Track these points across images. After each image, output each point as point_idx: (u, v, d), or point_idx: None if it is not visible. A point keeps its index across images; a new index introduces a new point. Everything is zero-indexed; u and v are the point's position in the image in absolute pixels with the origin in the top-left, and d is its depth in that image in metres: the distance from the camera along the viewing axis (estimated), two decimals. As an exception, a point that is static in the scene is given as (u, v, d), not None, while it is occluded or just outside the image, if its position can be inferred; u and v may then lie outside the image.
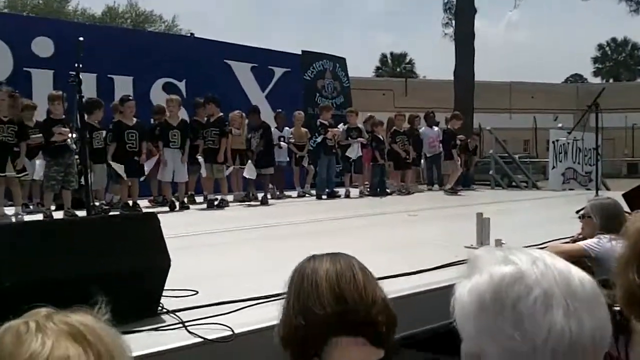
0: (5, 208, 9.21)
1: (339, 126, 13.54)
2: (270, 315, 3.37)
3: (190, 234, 7.31)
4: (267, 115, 14.26)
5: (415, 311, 3.76)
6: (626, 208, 6.44)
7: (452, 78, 26.19)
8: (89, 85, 9.75)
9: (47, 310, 1.07)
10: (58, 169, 9.14)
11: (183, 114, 11.42)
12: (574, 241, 4.91)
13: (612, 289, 2.00)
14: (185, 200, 10.92)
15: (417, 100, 36.14)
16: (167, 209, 10.31)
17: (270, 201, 11.98)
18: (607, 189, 14.82)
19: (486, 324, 1.13)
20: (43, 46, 12.70)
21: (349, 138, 13.25)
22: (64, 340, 1.00)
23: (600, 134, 11.02)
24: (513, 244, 5.61)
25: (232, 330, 3.10)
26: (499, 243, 5.64)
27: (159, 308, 3.48)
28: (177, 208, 10.47)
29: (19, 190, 9.36)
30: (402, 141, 13.98)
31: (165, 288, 3.55)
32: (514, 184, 18.63)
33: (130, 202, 10.20)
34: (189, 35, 27.03)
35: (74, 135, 8.92)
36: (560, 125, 18.55)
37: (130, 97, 10.71)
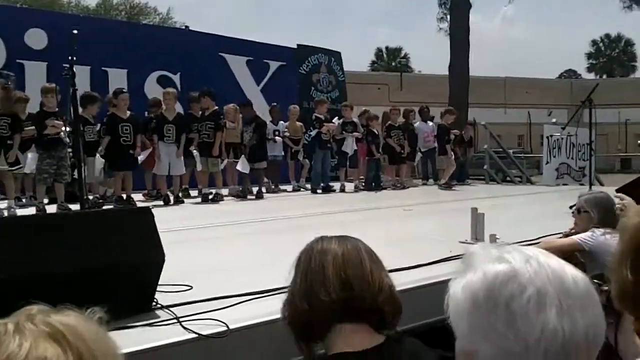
0: (-2, 201, 9.19)
1: (333, 120, 13.53)
2: (265, 310, 3.38)
3: (184, 228, 7.28)
4: (262, 108, 14.25)
5: (410, 306, 3.76)
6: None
7: (447, 73, 26.21)
8: (82, 77, 9.68)
9: (37, 308, 1.06)
10: (50, 162, 9.11)
11: (177, 108, 11.38)
12: (566, 236, 4.90)
13: (607, 283, 2.01)
14: (180, 194, 10.89)
15: (412, 95, 36.14)
16: (161, 202, 10.30)
17: (265, 195, 11.97)
18: (601, 184, 14.85)
19: (479, 322, 1.13)
20: (36, 38, 12.65)
21: (344, 132, 13.24)
22: (42, 341, 0.98)
23: (594, 130, 11.04)
24: (507, 239, 5.63)
25: (227, 326, 3.08)
26: (493, 238, 5.65)
27: (153, 303, 3.47)
28: (172, 202, 10.45)
29: (12, 184, 9.32)
30: (397, 135, 13.98)
31: (159, 283, 3.54)
32: (508, 178, 18.68)
33: (124, 196, 10.19)
34: (183, 28, 26.95)
35: (68, 129, 8.90)
36: (554, 120, 18.55)
37: (124, 90, 10.67)
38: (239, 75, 16.00)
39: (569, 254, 4.23)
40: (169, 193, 10.68)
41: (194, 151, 11.17)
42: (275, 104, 14.03)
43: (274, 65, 16.91)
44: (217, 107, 11.34)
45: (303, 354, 1.91)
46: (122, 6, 49.74)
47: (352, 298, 1.76)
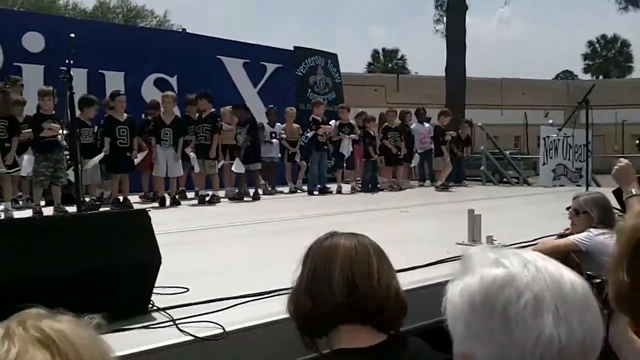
0: (-5, 204, 9.17)
1: (330, 122, 13.53)
2: (261, 313, 3.38)
3: (181, 230, 7.27)
4: (259, 111, 14.25)
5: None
6: (616, 204, 6.48)
7: (443, 74, 26.24)
8: (79, 80, 9.71)
9: (33, 312, 1.06)
10: (47, 165, 9.10)
11: (175, 111, 11.37)
12: (561, 236, 4.89)
13: (604, 285, 2.01)
14: (177, 196, 10.88)
15: (409, 96, 36.18)
16: (158, 204, 10.29)
17: (262, 197, 11.97)
18: (598, 185, 14.85)
19: (476, 326, 1.13)
20: (34, 41, 12.64)
21: (341, 134, 13.24)
22: (31, 346, 0.99)
23: (591, 131, 11.04)
24: (504, 240, 5.64)
25: (223, 328, 3.09)
26: (490, 240, 5.66)
27: (150, 305, 3.47)
28: (168, 204, 10.44)
29: (9, 186, 9.32)
30: (394, 137, 14.00)
31: (156, 285, 3.54)
32: (505, 180, 18.67)
33: (121, 198, 10.18)
34: (180, 30, 26.93)
35: (65, 132, 8.90)
36: (550, 121, 18.58)
37: (121, 92, 10.69)
38: (235, 78, 15.99)
39: (566, 255, 4.23)
40: (165, 195, 10.67)
41: (191, 153, 11.16)
42: (272, 106, 14.03)
43: (270, 67, 16.90)
44: (214, 110, 11.35)
45: (307, 347, 1.90)
46: (119, 9, 49.77)
47: (356, 301, 1.75)
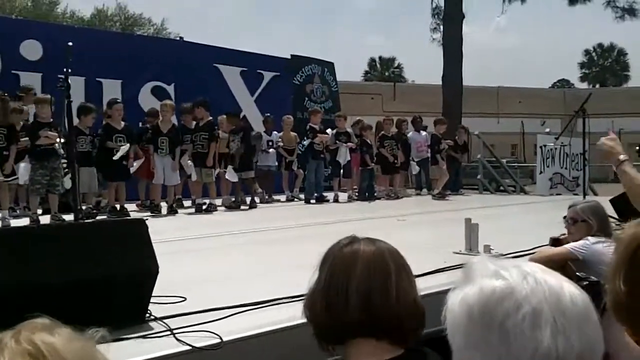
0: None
1: (327, 130, 13.54)
2: (258, 322, 3.38)
3: (178, 238, 7.27)
4: (256, 119, 14.26)
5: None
6: (613, 214, 6.48)
7: (440, 82, 26.26)
8: (77, 88, 9.70)
9: (38, 323, 1.07)
10: (43, 173, 9.09)
11: (172, 119, 11.37)
12: (556, 239, 4.86)
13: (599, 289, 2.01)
14: (174, 204, 10.87)
15: (405, 105, 36.20)
16: (157, 212, 10.29)
17: (259, 205, 11.97)
18: (595, 193, 14.87)
19: (475, 337, 1.13)
20: (31, 49, 12.65)
21: (337, 142, 13.26)
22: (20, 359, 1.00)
23: (588, 139, 11.06)
24: (502, 249, 5.65)
25: (221, 338, 3.08)
26: (487, 249, 5.66)
27: (147, 315, 3.46)
28: (161, 212, 10.44)
29: (6, 195, 9.30)
30: (391, 146, 14.00)
31: (153, 294, 3.53)
32: (501, 188, 18.68)
33: (118, 206, 10.18)
34: (178, 38, 26.96)
35: (62, 140, 8.92)
36: (547, 130, 18.59)
37: (118, 100, 10.72)
38: (233, 86, 16.01)
39: (563, 264, 4.23)
40: (161, 204, 10.65)
41: (188, 162, 11.16)
42: (268, 114, 14.05)
43: (267, 75, 16.93)
44: (211, 118, 11.36)
45: (324, 351, 1.87)
46: (116, 17, 49.68)
47: (371, 318, 1.72)
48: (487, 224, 6.66)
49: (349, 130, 13.72)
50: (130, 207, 10.64)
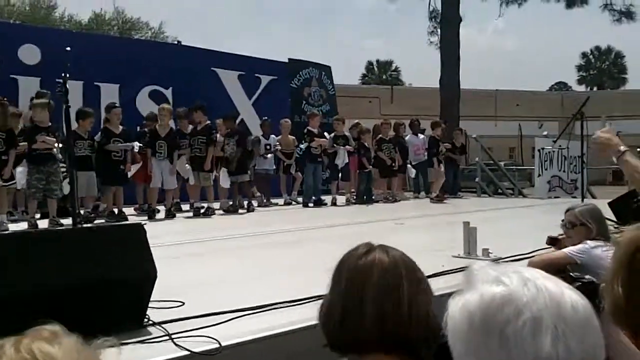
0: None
1: (325, 133, 13.55)
2: (256, 327, 3.37)
3: (176, 242, 7.27)
4: (254, 123, 14.25)
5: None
6: (612, 216, 6.48)
7: (438, 86, 26.28)
8: (75, 92, 9.69)
9: (45, 331, 1.07)
10: (39, 177, 9.06)
11: (170, 123, 11.36)
12: (554, 239, 4.82)
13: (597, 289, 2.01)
14: (172, 208, 10.86)
15: (403, 108, 36.18)
16: (153, 217, 10.28)
17: (257, 209, 11.96)
18: (593, 196, 14.91)
19: (475, 344, 1.12)
20: (30, 53, 12.63)
21: (335, 145, 13.26)
22: None
23: (586, 142, 11.08)
24: (500, 252, 5.65)
25: (219, 343, 3.08)
26: (486, 253, 5.66)
27: (145, 320, 3.46)
28: (163, 216, 10.43)
29: (5, 199, 9.29)
30: (388, 149, 14.01)
31: (151, 299, 3.53)
32: (500, 191, 18.70)
33: (116, 210, 10.17)
34: (175, 42, 27.00)
35: (60, 145, 8.91)
36: (545, 133, 18.64)
37: (117, 105, 10.70)
38: (230, 90, 16.00)
39: (562, 268, 4.21)
40: (158, 207, 10.64)
41: (186, 165, 11.16)
42: (266, 118, 14.06)
43: (265, 79, 16.93)
44: (209, 122, 11.36)
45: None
46: (114, 21, 49.63)
47: (384, 332, 1.71)
48: (485, 227, 6.67)
49: (347, 134, 13.73)
50: (128, 211, 10.63)
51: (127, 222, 9.02)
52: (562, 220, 4.78)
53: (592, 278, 2.32)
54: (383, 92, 47.24)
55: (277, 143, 13.58)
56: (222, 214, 11.31)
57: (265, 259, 6.18)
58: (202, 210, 10.94)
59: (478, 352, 1.12)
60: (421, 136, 15.39)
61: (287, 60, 18.18)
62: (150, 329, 3.38)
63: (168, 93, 14.53)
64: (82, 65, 10.53)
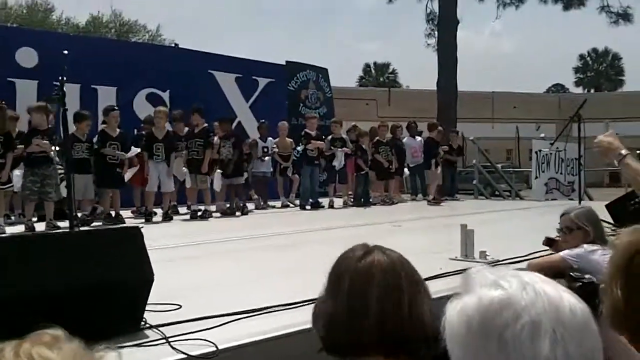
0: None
1: (323, 136, 13.56)
2: (253, 330, 3.36)
3: (173, 245, 7.25)
4: (251, 125, 14.24)
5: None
6: (609, 219, 6.49)
7: (435, 88, 26.29)
8: (72, 95, 9.68)
9: (47, 335, 1.06)
10: (34, 180, 9.05)
11: (167, 126, 11.36)
12: (551, 240, 4.80)
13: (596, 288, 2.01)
14: (169, 211, 10.85)
15: (400, 110, 36.27)
16: (150, 219, 10.26)
17: (254, 212, 11.95)
18: (590, 199, 14.91)
19: (473, 348, 1.12)
20: (27, 56, 12.62)
21: (332, 148, 13.26)
22: None
23: (583, 144, 11.08)
24: (498, 255, 5.65)
25: (216, 346, 3.07)
26: (483, 255, 5.66)
27: (142, 323, 3.45)
28: (160, 219, 10.42)
29: (2, 202, 9.27)
30: (385, 151, 14.01)
31: (148, 302, 3.52)
32: (497, 193, 18.72)
33: (113, 213, 10.16)
34: (172, 45, 26.98)
35: (57, 148, 8.90)
36: (542, 135, 18.66)
37: (115, 108, 10.69)
38: (228, 92, 16.01)
39: (560, 271, 4.20)
40: (155, 210, 10.63)
41: (183, 168, 11.16)
42: (263, 120, 14.05)
43: (262, 82, 16.94)
44: (206, 124, 11.35)
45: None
46: (111, 24, 49.64)
47: (384, 333, 1.70)
48: (482, 229, 6.67)
49: (345, 136, 13.73)
50: (125, 214, 10.62)
51: (124, 225, 9.02)
52: (558, 229, 4.72)
53: (592, 278, 2.31)
54: (380, 95, 47.33)
55: (275, 145, 13.57)
56: (219, 217, 11.30)
57: (263, 262, 6.18)
58: (199, 213, 10.93)
59: (476, 356, 1.12)
60: (418, 138, 15.39)
61: (284, 63, 18.21)
62: (147, 332, 3.37)
63: (165, 96, 14.53)
64: (79, 68, 10.53)
